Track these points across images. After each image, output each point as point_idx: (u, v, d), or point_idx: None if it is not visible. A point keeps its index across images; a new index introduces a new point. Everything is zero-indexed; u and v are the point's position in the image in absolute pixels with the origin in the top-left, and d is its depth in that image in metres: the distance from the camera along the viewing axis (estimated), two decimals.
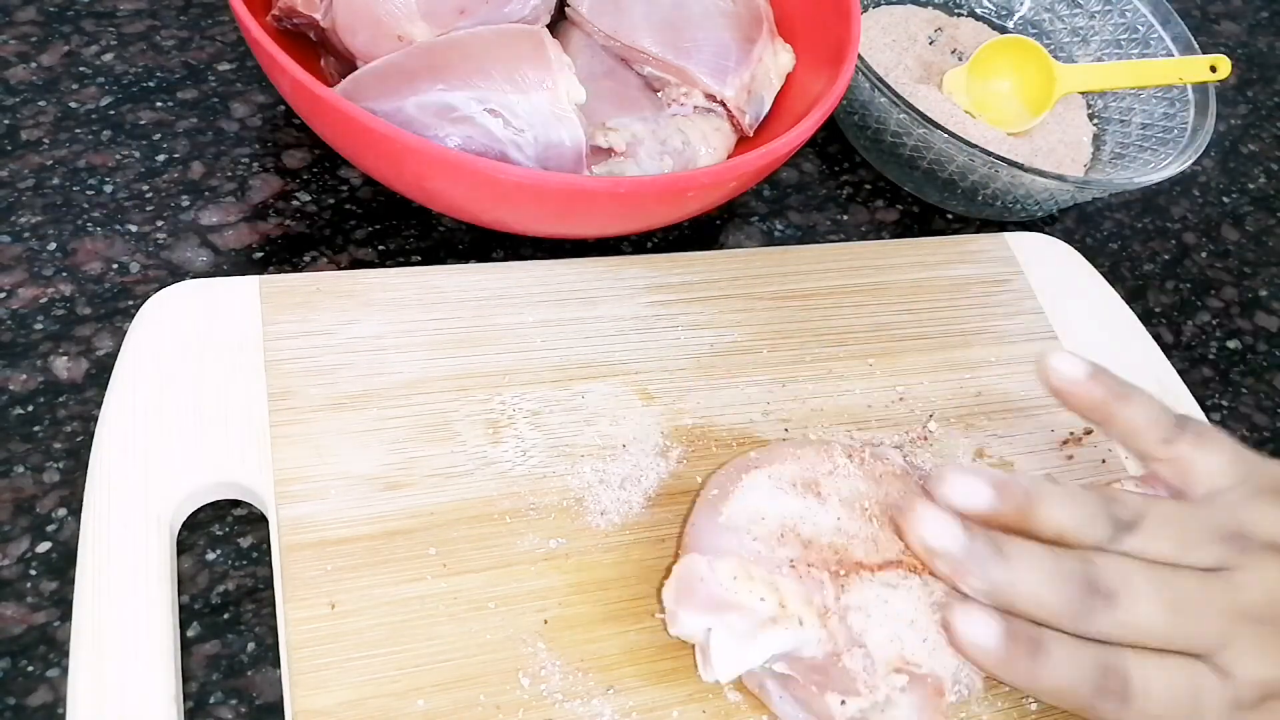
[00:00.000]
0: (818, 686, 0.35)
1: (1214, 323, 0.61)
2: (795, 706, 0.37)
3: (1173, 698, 0.35)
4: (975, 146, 0.54)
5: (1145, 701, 0.35)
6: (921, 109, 0.55)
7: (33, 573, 0.39)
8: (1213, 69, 0.61)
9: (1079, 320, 0.53)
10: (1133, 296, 0.60)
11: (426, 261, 0.50)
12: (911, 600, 0.37)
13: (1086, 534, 0.37)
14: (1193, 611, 0.36)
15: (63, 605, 0.38)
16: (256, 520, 0.41)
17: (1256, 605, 0.37)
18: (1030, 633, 0.35)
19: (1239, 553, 0.37)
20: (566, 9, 0.54)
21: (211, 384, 0.41)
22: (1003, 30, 0.69)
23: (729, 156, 0.53)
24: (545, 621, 0.38)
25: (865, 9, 0.65)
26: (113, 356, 0.42)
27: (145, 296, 0.43)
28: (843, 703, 0.35)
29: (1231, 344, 0.60)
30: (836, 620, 0.36)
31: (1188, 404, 0.52)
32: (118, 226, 0.48)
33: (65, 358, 0.44)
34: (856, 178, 0.61)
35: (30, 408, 0.42)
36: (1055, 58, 0.64)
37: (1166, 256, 0.64)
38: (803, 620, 0.36)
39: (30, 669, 0.37)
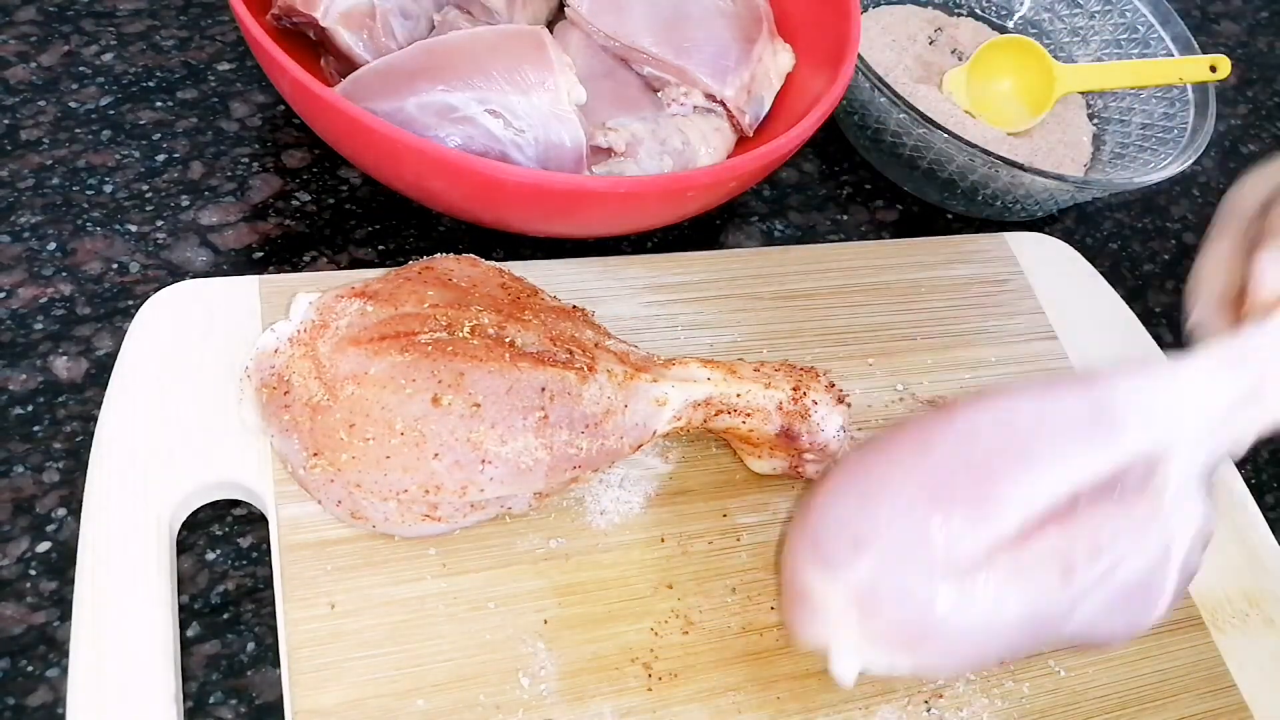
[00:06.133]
0: None
1: None
2: None
3: None
4: (975, 146, 0.54)
5: None
6: (921, 109, 0.55)
7: (33, 573, 0.39)
8: (1213, 69, 0.61)
9: (1079, 320, 0.53)
10: (1133, 296, 0.60)
11: None
12: None
13: None
14: None
15: (63, 605, 0.38)
16: (256, 520, 0.41)
17: None
18: None
19: None
20: (566, 9, 0.54)
21: (211, 384, 0.41)
22: (1003, 30, 0.69)
23: (729, 156, 0.53)
24: (545, 621, 0.38)
25: (865, 9, 0.65)
26: (113, 356, 0.42)
27: (145, 296, 0.43)
28: None
29: None
30: None
31: None
32: (117, 226, 0.48)
33: (65, 358, 0.44)
34: (856, 178, 0.61)
35: (30, 408, 0.42)
36: (1055, 58, 0.64)
37: (1166, 256, 0.64)
38: None
39: (30, 669, 0.37)
